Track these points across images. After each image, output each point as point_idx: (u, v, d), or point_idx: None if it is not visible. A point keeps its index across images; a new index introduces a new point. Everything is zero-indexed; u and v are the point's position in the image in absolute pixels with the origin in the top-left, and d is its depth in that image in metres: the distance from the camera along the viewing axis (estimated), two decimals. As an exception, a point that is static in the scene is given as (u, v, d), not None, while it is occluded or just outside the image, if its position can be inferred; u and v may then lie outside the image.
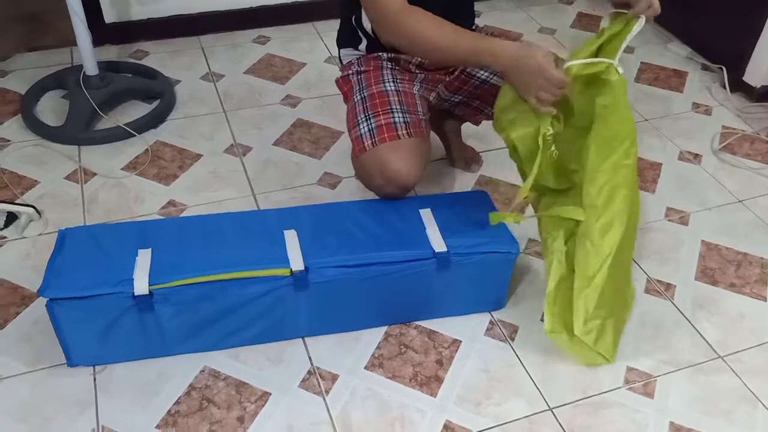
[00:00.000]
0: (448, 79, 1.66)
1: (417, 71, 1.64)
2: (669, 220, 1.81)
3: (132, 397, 1.34)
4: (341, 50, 1.70)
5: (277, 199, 1.81)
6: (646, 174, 1.96)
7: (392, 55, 1.60)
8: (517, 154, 1.43)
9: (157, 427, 1.29)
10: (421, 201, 1.54)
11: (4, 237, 1.67)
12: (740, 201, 1.88)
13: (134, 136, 2.00)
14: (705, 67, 2.44)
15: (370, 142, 1.49)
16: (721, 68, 2.35)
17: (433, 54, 1.42)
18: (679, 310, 1.57)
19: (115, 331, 1.33)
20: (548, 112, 1.33)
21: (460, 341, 1.47)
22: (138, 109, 2.11)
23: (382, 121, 1.50)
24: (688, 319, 1.55)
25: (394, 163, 1.46)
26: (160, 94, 2.15)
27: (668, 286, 1.62)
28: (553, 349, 1.46)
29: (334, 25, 1.70)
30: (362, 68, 1.62)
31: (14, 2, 2.32)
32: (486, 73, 1.64)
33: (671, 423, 1.34)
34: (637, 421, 1.34)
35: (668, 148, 2.07)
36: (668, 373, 1.43)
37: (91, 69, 2.05)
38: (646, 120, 2.19)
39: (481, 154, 1.96)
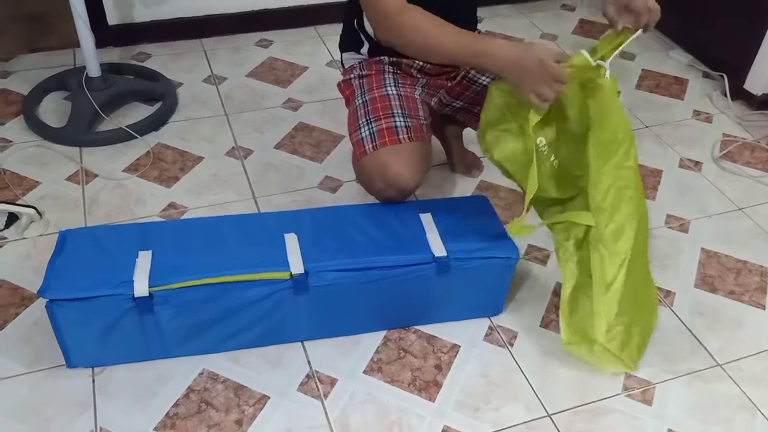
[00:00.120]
0: (449, 84, 1.67)
1: (419, 76, 1.64)
2: (669, 227, 1.82)
3: (131, 399, 1.34)
4: (343, 54, 1.70)
5: (278, 202, 1.82)
6: (647, 181, 1.96)
7: (394, 59, 1.60)
8: (509, 174, 1.43)
9: (156, 429, 1.29)
10: (421, 205, 1.55)
11: (5, 237, 1.67)
12: (740, 209, 1.89)
13: (136, 138, 2.00)
14: (706, 75, 2.44)
15: (371, 145, 1.50)
16: (722, 76, 2.36)
17: (433, 54, 1.40)
18: (678, 317, 1.57)
19: (115, 333, 1.33)
20: (543, 110, 1.30)
21: (459, 346, 1.47)
22: (140, 111, 2.12)
23: (384, 125, 1.51)
24: (687, 327, 1.55)
25: (395, 167, 1.47)
26: (162, 96, 2.15)
27: (668, 293, 1.63)
28: (552, 355, 1.46)
29: (337, 29, 1.70)
30: (364, 72, 1.62)
31: (17, 3, 2.32)
32: (488, 79, 1.64)
33: (669, 430, 1.34)
34: (635, 427, 1.34)
35: (669, 155, 2.08)
36: (667, 380, 1.43)
37: (93, 70, 2.05)
38: (647, 127, 2.19)
39: (481, 159, 1.97)
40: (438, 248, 1.40)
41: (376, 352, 1.45)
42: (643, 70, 2.47)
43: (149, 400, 1.34)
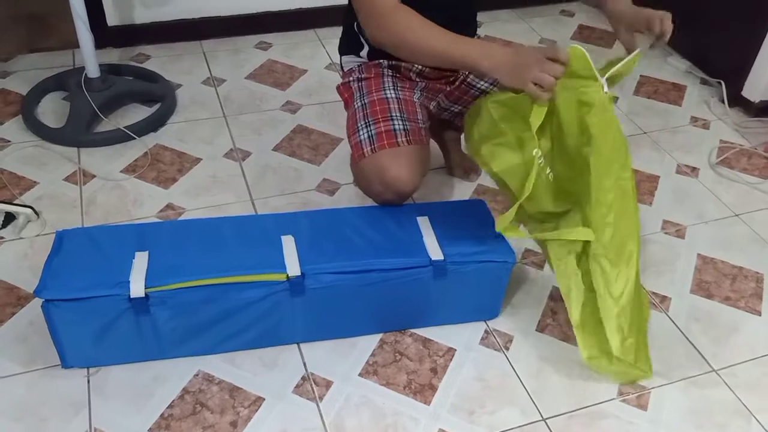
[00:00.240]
0: (448, 88, 1.67)
1: (417, 79, 1.64)
2: (665, 233, 1.82)
3: (126, 400, 1.34)
4: (343, 57, 1.70)
5: (275, 204, 1.82)
6: (644, 186, 1.97)
7: (393, 62, 1.61)
8: (507, 187, 1.41)
9: (150, 430, 1.29)
10: (418, 209, 1.55)
11: (2, 237, 1.67)
12: (737, 215, 1.89)
13: (134, 139, 2.00)
14: (704, 82, 2.45)
15: (369, 148, 1.50)
16: (720, 83, 2.36)
17: (424, 54, 1.39)
18: (673, 322, 1.57)
19: (111, 334, 1.33)
20: (546, 101, 1.28)
21: (455, 350, 1.48)
22: (138, 113, 2.12)
23: (382, 128, 1.51)
24: (682, 332, 1.55)
25: (393, 170, 1.47)
26: (161, 97, 2.15)
27: (663, 299, 1.63)
28: (548, 359, 1.46)
29: (336, 32, 1.71)
30: (363, 75, 1.62)
31: (17, 3, 2.33)
32: (486, 84, 1.65)
33: (664, 435, 1.34)
34: (630, 432, 1.34)
35: (666, 161, 2.08)
36: (662, 385, 1.43)
37: (92, 71, 2.06)
38: (645, 133, 2.19)
39: (479, 163, 1.97)
40: (435, 252, 1.40)
41: (372, 354, 1.45)
42: (641, 76, 2.48)
43: (144, 401, 1.34)
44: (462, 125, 1.81)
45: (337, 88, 1.70)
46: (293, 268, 1.34)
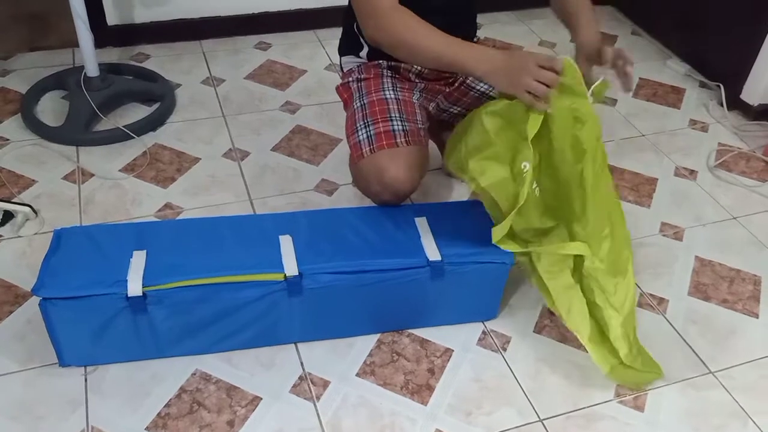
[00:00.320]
0: (447, 89, 1.67)
1: (417, 80, 1.65)
2: (663, 235, 1.82)
3: (123, 399, 1.34)
4: (342, 58, 1.71)
5: (273, 204, 1.82)
6: (642, 189, 1.97)
7: (393, 63, 1.61)
8: (494, 204, 1.39)
9: (147, 429, 1.29)
10: (416, 209, 1.55)
11: (0, 235, 1.67)
12: (734, 218, 1.89)
13: (133, 138, 2.00)
14: (703, 85, 2.46)
15: (368, 148, 1.50)
16: (718, 86, 2.37)
17: (421, 55, 1.40)
18: (671, 324, 1.57)
19: (108, 332, 1.33)
20: (544, 109, 1.29)
21: (453, 350, 1.48)
22: (138, 112, 2.12)
23: (381, 129, 1.51)
24: (680, 334, 1.55)
25: (392, 170, 1.47)
26: (160, 97, 2.15)
27: (661, 301, 1.63)
28: (545, 360, 1.47)
29: (336, 33, 1.71)
30: (363, 76, 1.63)
31: (18, 2, 2.33)
32: (486, 86, 1.65)
33: (661, 437, 1.35)
34: (627, 434, 1.34)
35: (664, 163, 2.08)
36: (659, 387, 1.43)
37: (92, 70, 2.06)
38: (643, 135, 2.20)
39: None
40: (432, 252, 1.40)
41: (370, 355, 1.45)
42: (640, 78, 2.48)
43: (141, 400, 1.34)
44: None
45: (337, 88, 1.70)
46: (291, 268, 1.34)
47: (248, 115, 2.16)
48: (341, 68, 1.72)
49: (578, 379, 1.43)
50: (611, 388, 1.42)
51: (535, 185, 1.38)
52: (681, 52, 2.59)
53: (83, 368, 1.38)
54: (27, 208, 1.70)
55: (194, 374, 1.39)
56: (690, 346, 1.52)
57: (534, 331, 1.53)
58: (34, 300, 1.46)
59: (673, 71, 2.53)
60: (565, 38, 2.70)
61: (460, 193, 1.90)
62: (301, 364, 1.43)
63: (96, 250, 1.36)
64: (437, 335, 1.50)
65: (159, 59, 2.40)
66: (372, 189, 1.53)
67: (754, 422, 1.38)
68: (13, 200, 1.76)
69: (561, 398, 1.39)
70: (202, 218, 1.51)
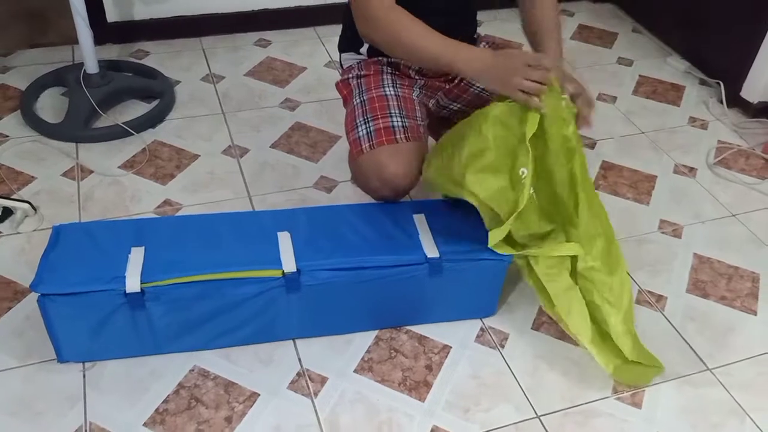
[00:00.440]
0: (447, 86, 1.67)
1: (417, 77, 1.65)
2: (662, 232, 1.82)
3: (121, 395, 1.34)
4: (342, 54, 1.71)
5: (272, 201, 1.82)
6: (641, 186, 1.97)
7: (392, 60, 1.61)
8: (493, 215, 1.36)
9: (145, 424, 1.29)
10: (415, 206, 1.55)
11: (0, 232, 1.68)
12: (734, 215, 1.89)
13: (132, 135, 2.00)
14: (703, 82, 2.45)
15: (367, 144, 1.50)
16: (718, 83, 2.36)
17: (416, 53, 1.41)
18: (669, 321, 1.57)
19: (106, 329, 1.33)
20: (539, 107, 1.29)
21: (450, 347, 1.48)
22: (137, 109, 2.12)
23: (381, 125, 1.51)
24: (678, 331, 1.55)
25: (391, 166, 1.47)
26: (159, 94, 2.16)
27: (659, 298, 1.63)
28: (543, 357, 1.47)
29: (336, 30, 1.71)
30: (362, 72, 1.63)
31: (17, -1, 2.34)
32: (485, 83, 1.65)
33: (658, 434, 1.35)
34: (624, 431, 1.34)
35: (664, 160, 2.08)
36: (657, 383, 1.43)
37: (91, 67, 2.06)
38: (643, 133, 2.20)
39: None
40: (430, 249, 1.40)
41: (367, 351, 1.46)
42: (640, 76, 2.48)
43: (139, 396, 1.34)
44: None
45: (336, 85, 1.70)
46: (289, 265, 1.34)
47: (248, 112, 2.16)
48: (341, 65, 1.72)
49: (576, 376, 1.43)
50: (609, 384, 1.42)
51: (532, 190, 1.38)
52: (681, 50, 2.59)
53: (81, 364, 1.38)
54: (26, 205, 1.70)
55: (192, 370, 1.39)
56: (688, 343, 1.53)
57: (532, 328, 1.53)
58: (33, 296, 1.46)
59: (673, 68, 2.53)
60: (565, 35, 2.71)
61: (459, 190, 1.90)
62: (299, 360, 1.43)
63: (94, 247, 1.36)
64: (435, 332, 1.50)
65: (158, 56, 2.40)
66: (371, 185, 1.53)
67: (752, 419, 1.38)
68: (12, 197, 1.76)
69: (558, 395, 1.40)
70: (201, 215, 1.52)
